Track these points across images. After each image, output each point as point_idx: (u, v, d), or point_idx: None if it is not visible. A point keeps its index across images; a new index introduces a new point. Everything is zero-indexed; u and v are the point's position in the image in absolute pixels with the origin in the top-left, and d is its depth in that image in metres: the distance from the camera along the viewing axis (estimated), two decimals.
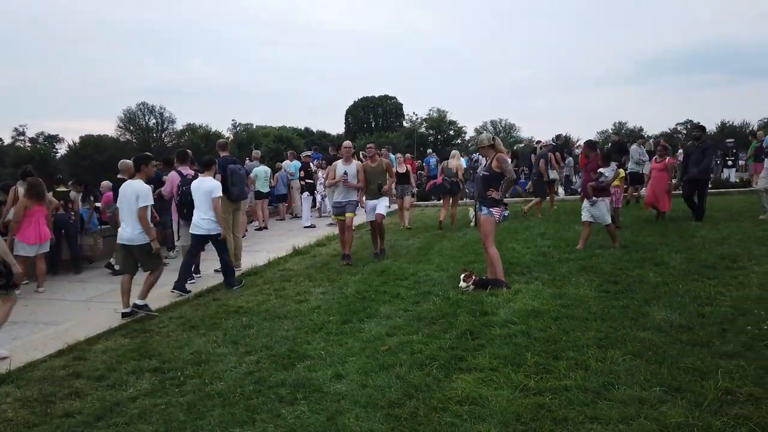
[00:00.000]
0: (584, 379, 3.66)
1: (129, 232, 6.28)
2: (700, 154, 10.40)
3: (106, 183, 12.26)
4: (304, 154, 16.35)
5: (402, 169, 12.47)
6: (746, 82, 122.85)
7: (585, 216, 8.57)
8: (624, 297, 5.53)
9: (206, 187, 7.27)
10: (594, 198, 8.36)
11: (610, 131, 77.45)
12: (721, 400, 3.25)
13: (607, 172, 8.47)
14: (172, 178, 8.02)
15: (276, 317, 5.93)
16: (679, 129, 76.15)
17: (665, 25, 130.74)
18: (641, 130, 76.55)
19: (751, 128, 65.23)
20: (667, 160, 10.95)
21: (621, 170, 10.33)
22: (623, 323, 4.73)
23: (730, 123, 74.90)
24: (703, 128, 11.41)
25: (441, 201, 12.79)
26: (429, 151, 22.57)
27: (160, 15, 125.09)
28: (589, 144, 9.71)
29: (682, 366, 3.74)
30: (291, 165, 15.62)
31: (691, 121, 79.70)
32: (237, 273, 8.47)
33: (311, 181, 14.72)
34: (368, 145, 9.55)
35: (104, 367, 4.79)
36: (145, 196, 6.18)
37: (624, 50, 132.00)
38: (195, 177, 8.37)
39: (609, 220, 8.35)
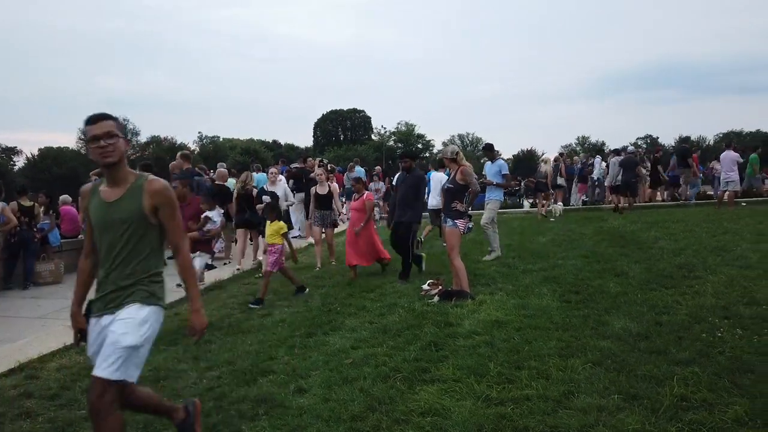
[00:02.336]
0: (545, 388, 3.69)
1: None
2: (413, 188, 7.92)
3: (64, 197, 11.96)
4: (294, 165, 16.07)
5: (323, 190, 9.45)
6: (701, 99, 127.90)
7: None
8: (585, 307, 5.63)
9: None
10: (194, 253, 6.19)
11: (574, 145, 79.56)
12: (676, 406, 3.32)
13: (214, 216, 6.63)
14: None
15: (239, 332, 5.83)
16: (639, 143, 78.34)
17: (625, 43, 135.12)
18: (603, 144, 78.56)
19: (705, 142, 67.62)
20: (365, 195, 8.37)
21: (279, 223, 7.41)
22: (584, 332, 4.80)
23: (688, 137, 77.51)
24: (413, 155, 9.24)
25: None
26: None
27: (122, 26, 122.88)
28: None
29: (640, 373, 3.82)
30: (257, 177, 15.43)
31: (650, 136, 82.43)
32: (200, 287, 8.31)
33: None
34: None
35: (57, 385, 4.61)
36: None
37: (587, 66, 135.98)
38: None
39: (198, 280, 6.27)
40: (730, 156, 14.43)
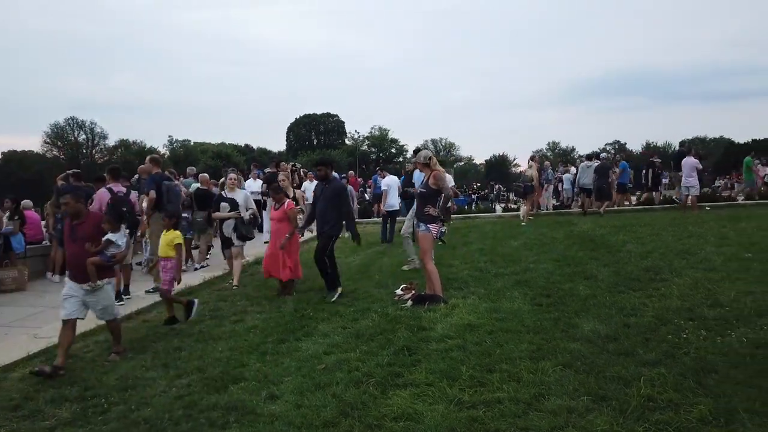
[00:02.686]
0: (516, 391, 3.73)
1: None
2: (332, 199, 7.21)
3: (26, 202, 11.63)
4: (267, 170, 16.01)
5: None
6: (667, 106, 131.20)
7: (67, 311, 5.28)
8: (555, 310, 5.71)
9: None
10: (98, 282, 5.31)
11: (545, 150, 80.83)
12: (643, 406, 3.39)
13: (117, 239, 5.47)
14: (101, 196, 7.68)
15: (210, 338, 5.75)
16: (608, 149, 79.98)
17: (595, 53, 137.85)
18: (573, 150, 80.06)
19: (671, 148, 69.48)
20: (286, 204, 7.59)
21: (174, 232, 6.52)
22: (554, 335, 4.87)
23: (654, 143, 79.55)
24: (328, 162, 7.93)
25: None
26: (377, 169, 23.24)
27: (90, 28, 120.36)
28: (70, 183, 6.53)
29: (609, 375, 3.88)
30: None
31: (618, 141, 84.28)
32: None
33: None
34: None
35: (20, 396, 4.48)
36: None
37: (557, 73, 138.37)
38: (127, 194, 8.06)
39: (114, 314, 5.54)
40: (690, 162, 14.84)
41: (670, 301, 5.71)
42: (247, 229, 8.58)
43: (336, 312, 6.35)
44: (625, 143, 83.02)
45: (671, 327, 4.87)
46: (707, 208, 15.15)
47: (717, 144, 72.68)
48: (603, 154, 17.75)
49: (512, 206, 21.97)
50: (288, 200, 7.81)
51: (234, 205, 8.54)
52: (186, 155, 69.58)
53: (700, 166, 15.26)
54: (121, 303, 7.53)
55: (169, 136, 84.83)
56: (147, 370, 4.91)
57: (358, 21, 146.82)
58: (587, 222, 13.39)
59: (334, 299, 6.97)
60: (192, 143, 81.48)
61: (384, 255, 10.61)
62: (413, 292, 6.42)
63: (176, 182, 10.71)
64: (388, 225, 12.37)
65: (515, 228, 13.40)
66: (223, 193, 9.04)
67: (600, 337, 4.70)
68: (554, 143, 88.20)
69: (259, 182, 14.81)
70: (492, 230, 13.02)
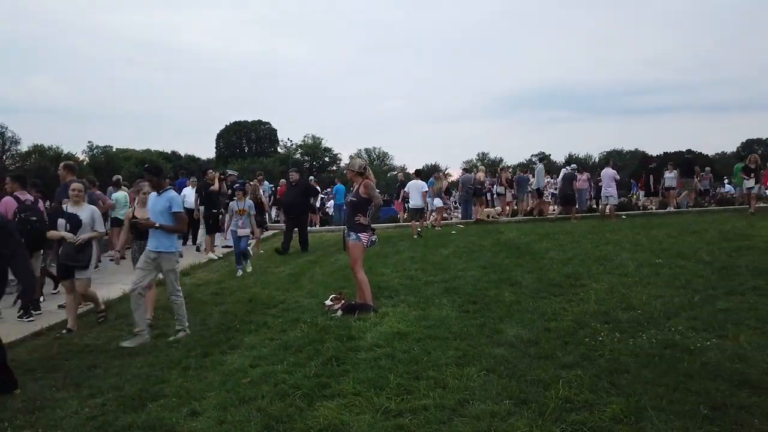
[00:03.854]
0: (442, 397, 3.77)
1: None
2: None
3: None
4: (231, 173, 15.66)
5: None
6: (589, 119, 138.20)
7: None
8: (481, 316, 5.84)
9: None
10: None
11: (475, 160, 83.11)
12: (561, 408, 3.51)
13: None
14: (7, 204, 7.16)
15: (128, 354, 5.47)
16: (534, 160, 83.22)
17: (522, 67, 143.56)
18: (501, 160, 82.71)
19: (591, 160, 73.05)
20: None
21: None
22: (480, 341, 4.98)
23: (576, 155, 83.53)
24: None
25: None
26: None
27: (3, 26, 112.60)
28: None
29: (530, 378, 4.01)
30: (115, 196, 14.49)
31: (543, 152, 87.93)
32: (84, 308, 7.72)
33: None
34: None
35: None
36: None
37: (485, 87, 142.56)
38: (35, 203, 7.56)
39: None
40: (608, 173, 15.75)
41: (588, 305, 5.98)
42: (76, 256, 6.63)
43: (264, 323, 6.22)
44: (550, 154, 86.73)
45: (588, 330, 5.10)
46: (623, 216, 16.07)
47: (632, 156, 77.17)
48: (573, 165, 19.22)
49: (444, 215, 22.44)
50: None
51: (76, 222, 6.64)
52: (107, 162, 66.36)
53: (618, 177, 16.21)
54: (31, 319, 7.07)
55: (89, 142, 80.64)
56: (57, 390, 4.60)
57: (291, 30, 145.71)
58: (513, 230, 13.85)
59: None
60: (114, 149, 77.81)
61: (315, 264, 10.51)
62: (343, 301, 6.39)
63: (94, 191, 10.19)
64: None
65: (445, 236, 13.66)
66: (64, 206, 6.90)
67: (522, 342, 4.85)
68: (484, 154, 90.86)
69: (193, 190, 14.01)
70: (423, 238, 13.20)
